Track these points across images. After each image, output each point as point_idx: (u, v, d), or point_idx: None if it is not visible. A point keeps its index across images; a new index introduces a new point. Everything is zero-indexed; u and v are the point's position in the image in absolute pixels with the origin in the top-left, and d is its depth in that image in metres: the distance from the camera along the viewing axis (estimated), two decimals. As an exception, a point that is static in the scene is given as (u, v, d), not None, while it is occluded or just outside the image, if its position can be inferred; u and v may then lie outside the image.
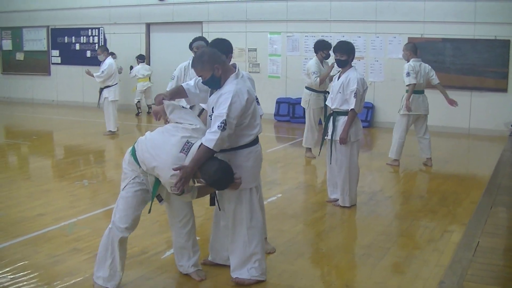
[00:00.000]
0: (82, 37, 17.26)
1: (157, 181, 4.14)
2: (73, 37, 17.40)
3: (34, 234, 5.51)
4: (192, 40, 6.57)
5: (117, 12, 16.42)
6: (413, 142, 11.22)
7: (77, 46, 17.36)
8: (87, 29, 17.10)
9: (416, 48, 8.89)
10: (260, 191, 4.76)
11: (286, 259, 4.96)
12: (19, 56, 18.54)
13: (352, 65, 6.56)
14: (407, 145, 10.18)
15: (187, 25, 15.18)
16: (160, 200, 4.28)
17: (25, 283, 4.39)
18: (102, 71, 11.56)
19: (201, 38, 6.79)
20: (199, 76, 4.25)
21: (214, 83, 4.21)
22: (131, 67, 15.32)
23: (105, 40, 16.80)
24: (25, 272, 4.58)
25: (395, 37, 12.84)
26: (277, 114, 14.30)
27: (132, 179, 4.19)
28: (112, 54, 15.19)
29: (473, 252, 4.28)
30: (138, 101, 15.25)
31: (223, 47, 4.65)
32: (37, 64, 18.06)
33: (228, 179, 4.05)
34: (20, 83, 18.54)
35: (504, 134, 11.48)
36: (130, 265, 4.65)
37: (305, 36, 13.95)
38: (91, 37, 17.10)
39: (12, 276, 4.51)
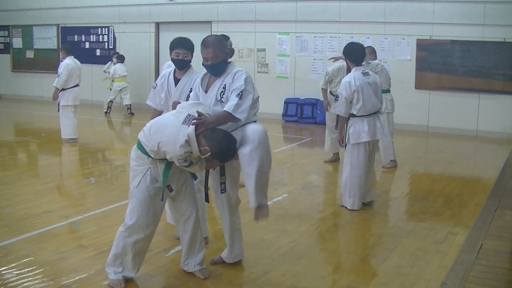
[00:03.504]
0: (91, 35, 17.36)
1: (166, 169, 4.15)
2: (83, 36, 17.50)
3: (40, 231, 5.55)
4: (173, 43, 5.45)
5: (126, 11, 16.50)
6: (420, 144, 11.22)
7: (87, 45, 17.45)
8: (97, 27, 17.19)
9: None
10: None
11: (289, 259, 4.98)
12: (29, 54, 18.67)
13: (363, 64, 6.57)
14: (413, 147, 10.18)
15: (197, 24, 15.22)
16: (171, 190, 4.27)
17: (30, 279, 4.43)
18: (59, 74, 10.54)
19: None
20: (212, 57, 4.28)
21: (221, 67, 4.35)
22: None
23: (114, 39, 16.89)
24: (31, 268, 4.62)
25: (403, 39, 12.82)
26: (285, 114, 14.30)
27: (143, 175, 4.20)
28: (119, 56, 15.29)
29: (476, 254, 4.29)
30: (111, 100, 15.20)
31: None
32: (47, 62, 18.17)
33: (232, 149, 4.06)
34: (30, 81, 18.67)
35: (512, 137, 11.47)
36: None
37: (314, 36, 13.96)
38: (100, 35, 17.19)
39: (17, 272, 4.55)
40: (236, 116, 4.16)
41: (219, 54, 4.30)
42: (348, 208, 6.52)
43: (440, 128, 12.60)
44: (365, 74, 6.44)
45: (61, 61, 10.85)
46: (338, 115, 6.76)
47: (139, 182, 4.22)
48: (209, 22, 15.18)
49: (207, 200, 4.65)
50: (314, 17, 13.85)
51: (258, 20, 14.57)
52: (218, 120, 4.15)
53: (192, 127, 3.94)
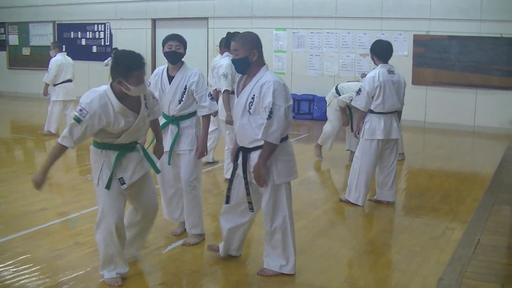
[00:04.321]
0: (88, 32, 17.32)
1: (118, 157, 4.18)
2: (79, 33, 17.47)
3: (37, 228, 5.54)
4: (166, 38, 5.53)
5: (123, 7, 16.47)
6: (417, 140, 11.21)
7: (83, 42, 17.42)
8: (93, 24, 17.16)
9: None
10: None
11: (287, 255, 4.96)
12: (25, 51, 18.63)
13: (389, 63, 6.48)
14: (410, 142, 10.16)
15: (193, 21, 15.20)
16: (123, 183, 4.20)
17: (27, 276, 4.42)
18: (48, 70, 10.88)
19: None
20: (234, 50, 4.26)
21: (242, 65, 4.28)
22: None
23: (111, 35, 16.85)
24: (27, 266, 4.61)
25: (400, 34, 12.82)
26: (282, 110, 14.26)
27: (100, 170, 4.18)
28: (115, 49, 15.24)
29: (473, 249, 4.27)
30: None
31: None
32: (43, 59, 18.03)
33: (130, 54, 4.05)
34: (26, 78, 18.61)
35: (509, 132, 11.45)
36: (131, 260, 4.67)
37: (311, 32, 13.95)
38: (97, 32, 17.16)
39: (14, 269, 4.54)
40: (268, 141, 4.14)
41: (240, 50, 4.22)
42: (352, 202, 6.49)
43: (437, 124, 12.60)
44: (390, 72, 6.34)
45: (51, 57, 11.02)
46: (351, 113, 6.74)
47: (98, 179, 4.20)
48: (206, 18, 15.16)
49: (227, 202, 4.57)
50: (311, 13, 13.84)
51: (254, 16, 14.55)
52: (264, 157, 4.20)
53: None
